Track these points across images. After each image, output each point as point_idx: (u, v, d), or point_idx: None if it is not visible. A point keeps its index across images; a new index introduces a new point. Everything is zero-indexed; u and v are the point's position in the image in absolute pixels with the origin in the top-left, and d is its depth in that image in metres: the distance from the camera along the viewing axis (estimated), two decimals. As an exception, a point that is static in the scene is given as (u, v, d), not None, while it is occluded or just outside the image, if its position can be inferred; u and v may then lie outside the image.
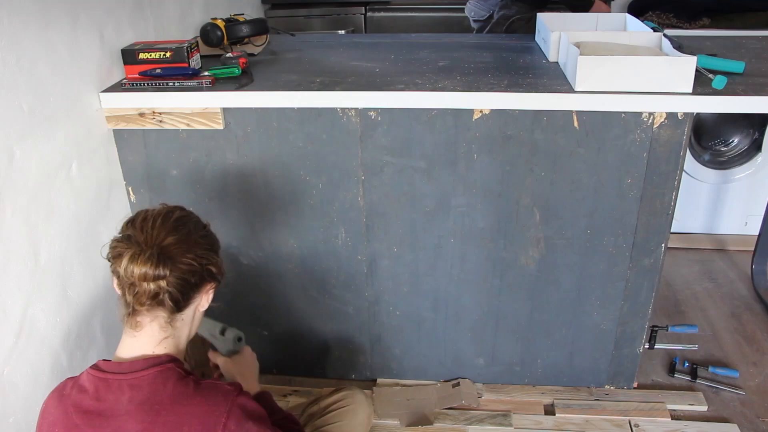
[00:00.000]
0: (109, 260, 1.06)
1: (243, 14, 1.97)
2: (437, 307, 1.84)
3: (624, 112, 1.51)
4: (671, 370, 1.99)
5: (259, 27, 1.95)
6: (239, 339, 1.39)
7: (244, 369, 1.36)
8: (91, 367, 1.07)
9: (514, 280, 1.77)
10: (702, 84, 1.48)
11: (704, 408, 1.86)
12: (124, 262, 1.02)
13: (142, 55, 1.64)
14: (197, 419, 1.01)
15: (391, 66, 1.77)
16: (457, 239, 1.73)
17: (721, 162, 2.58)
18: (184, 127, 1.63)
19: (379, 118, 1.57)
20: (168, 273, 1.02)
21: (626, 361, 1.87)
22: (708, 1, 2.70)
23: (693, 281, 2.49)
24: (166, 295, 1.04)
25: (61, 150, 1.47)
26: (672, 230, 1.67)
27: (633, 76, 1.47)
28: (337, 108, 1.57)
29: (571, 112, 1.52)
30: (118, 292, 1.07)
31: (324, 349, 1.96)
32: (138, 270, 1.01)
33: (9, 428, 1.33)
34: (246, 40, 1.94)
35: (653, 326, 1.87)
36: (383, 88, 1.57)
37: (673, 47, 1.60)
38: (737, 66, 1.61)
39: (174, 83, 1.62)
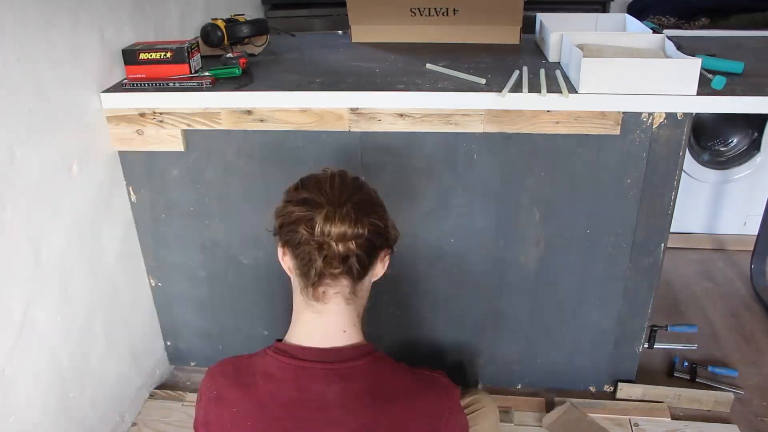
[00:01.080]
0: (278, 230, 0.98)
1: (243, 14, 1.98)
2: (437, 307, 1.85)
3: (624, 113, 1.52)
4: (671, 369, 1.99)
5: (260, 27, 1.95)
6: None
7: None
8: (273, 350, 0.98)
9: (514, 280, 1.77)
10: (701, 84, 1.48)
11: (704, 408, 1.86)
12: (318, 222, 0.91)
13: (142, 56, 1.64)
14: (425, 413, 0.95)
15: (391, 66, 1.78)
16: (457, 239, 1.73)
17: (720, 162, 2.58)
18: (185, 127, 1.63)
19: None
20: (364, 231, 0.93)
21: (626, 360, 1.88)
22: (707, 1, 2.70)
23: (692, 281, 2.49)
24: (354, 259, 0.94)
25: (62, 150, 1.48)
26: (671, 230, 1.67)
27: (637, 78, 1.47)
28: (337, 108, 1.57)
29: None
30: (290, 265, 0.99)
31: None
32: (336, 229, 0.91)
33: (10, 427, 1.33)
34: (246, 40, 1.95)
35: (652, 326, 1.88)
36: (383, 88, 1.57)
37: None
38: (736, 66, 1.61)
39: (174, 83, 1.62)
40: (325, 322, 0.99)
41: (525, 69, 1.66)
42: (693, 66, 1.45)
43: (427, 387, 0.98)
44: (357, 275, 0.96)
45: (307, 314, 0.99)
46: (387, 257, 1.04)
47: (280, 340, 1.00)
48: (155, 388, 1.96)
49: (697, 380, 1.94)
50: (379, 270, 1.04)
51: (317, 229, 0.92)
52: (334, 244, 0.92)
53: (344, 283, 0.97)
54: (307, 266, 0.95)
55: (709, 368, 1.98)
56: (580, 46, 1.60)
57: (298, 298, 1.00)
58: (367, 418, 0.93)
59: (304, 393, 0.94)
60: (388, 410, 0.93)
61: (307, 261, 0.94)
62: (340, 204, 0.94)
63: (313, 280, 0.95)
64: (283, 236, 0.97)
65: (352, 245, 0.93)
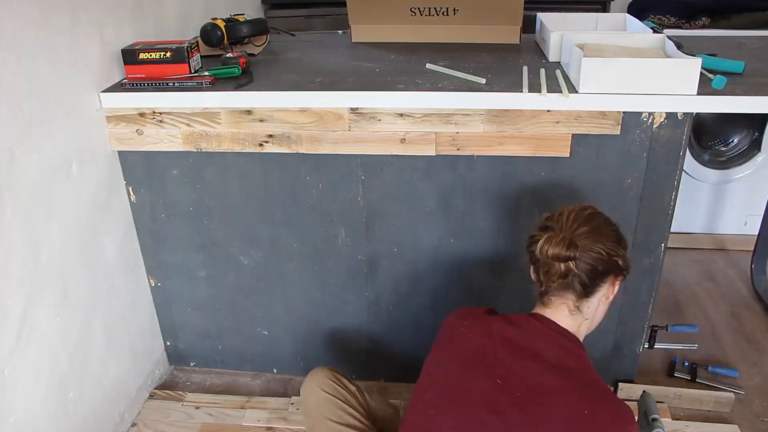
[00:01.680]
0: (528, 248, 1.21)
1: (243, 14, 1.97)
2: (437, 307, 1.84)
3: (624, 112, 1.51)
4: (671, 369, 1.99)
5: (260, 27, 1.95)
6: None
7: None
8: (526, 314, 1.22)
9: (514, 280, 1.77)
10: (702, 84, 1.47)
11: (705, 408, 1.86)
12: (541, 244, 1.15)
13: (142, 55, 1.64)
14: (605, 419, 1.06)
15: (391, 66, 1.77)
16: (457, 239, 1.73)
17: (720, 162, 2.58)
18: (185, 127, 1.63)
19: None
20: (575, 255, 1.13)
21: (626, 360, 1.87)
22: (707, 1, 2.70)
23: (693, 281, 2.49)
24: (575, 278, 1.15)
25: (62, 150, 1.47)
26: (672, 230, 1.67)
27: (637, 78, 1.46)
28: (337, 107, 1.57)
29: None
30: (533, 276, 1.23)
31: (324, 349, 1.96)
32: (551, 250, 1.14)
33: (9, 428, 1.33)
34: (246, 40, 1.94)
35: (653, 326, 1.87)
36: (383, 88, 1.57)
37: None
38: (737, 66, 1.61)
39: (174, 83, 1.62)
40: (558, 315, 1.20)
41: (525, 69, 1.66)
42: (693, 66, 1.45)
43: (609, 398, 1.11)
44: (581, 292, 1.17)
45: (540, 310, 1.22)
46: (618, 283, 1.23)
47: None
48: (155, 389, 1.96)
49: (698, 380, 1.94)
50: (610, 293, 1.22)
51: (538, 251, 1.15)
52: (555, 263, 1.14)
53: (570, 296, 1.18)
54: (539, 278, 1.20)
55: (710, 368, 1.97)
56: (581, 46, 1.60)
57: (537, 304, 1.23)
58: (561, 381, 1.09)
59: (528, 345, 1.15)
60: (576, 391, 1.08)
61: (538, 275, 1.20)
62: (563, 231, 1.16)
63: (542, 289, 1.20)
64: (528, 253, 1.22)
65: (572, 265, 1.14)
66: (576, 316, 1.19)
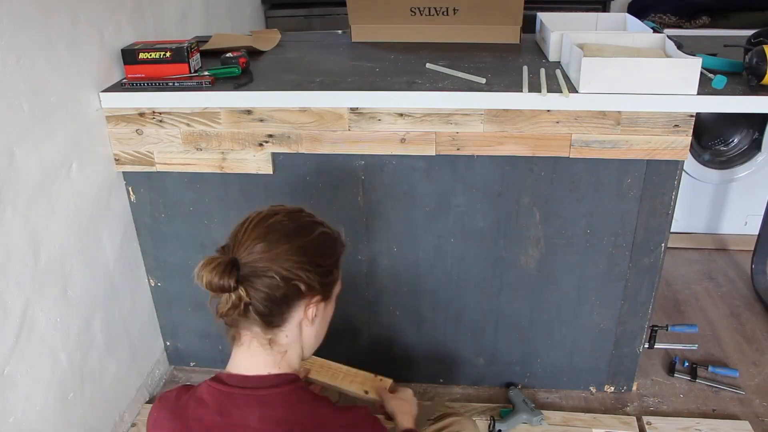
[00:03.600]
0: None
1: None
2: (437, 307, 1.84)
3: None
4: (671, 369, 1.99)
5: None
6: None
7: (405, 405, 1.30)
8: (211, 379, 1.00)
9: (514, 280, 1.77)
10: (702, 84, 1.47)
11: (706, 408, 1.86)
12: (197, 269, 0.94)
13: (142, 55, 1.64)
14: None
15: (390, 65, 1.77)
16: (457, 239, 1.73)
17: (721, 162, 2.57)
18: (185, 127, 1.63)
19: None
20: (233, 285, 0.93)
21: (626, 360, 1.87)
22: (707, 0, 2.70)
23: (693, 281, 2.49)
24: (250, 308, 0.95)
25: (61, 150, 1.48)
26: (672, 230, 1.67)
27: (638, 78, 1.46)
28: (337, 107, 1.57)
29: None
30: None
31: (324, 349, 1.95)
32: (205, 277, 0.93)
33: (9, 427, 1.33)
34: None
35: (653, 326, 1.87)
36: (383, 87, 1.57)
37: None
38: (736, 65, 1.61)
39: (174, 83, 1.62)
40: (248, 356, 1.00)
41: (525, 68, 1.66)
42: (693, 65, 1.45)
43: (346, 416, 0.99)
44: (264, 324, 0.97)
45: (235, 352, 1.02)
46: (314, 306, 1.01)
47: (221, 372, 1.02)
48: (155, 390, 1.96)
49: (698, 381, 1.94)
50: (306, 317, 1.02)
51: (196, 275, 0.94)
52: (214, 292, 0.94)
53: (255, 329, 0.98)
54: (216, 309, 0.98)
55: (710, 368, 1.97)
56: (581, 46, 1.60)
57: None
58: None
59: (227, 417, 0.95)
60: None
61: (217, 305, 0.97)
62: (235, 249, 0.95)
63: (224, 320, 0.98)
64: None
65: (243, 294, 0.93)
66: (274, 347, 0.99)
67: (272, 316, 0.97)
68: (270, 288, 0.95)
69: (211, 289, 0.93)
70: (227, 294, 0.94)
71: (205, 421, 0.96)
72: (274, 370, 1.00)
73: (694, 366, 1.97)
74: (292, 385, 0.98)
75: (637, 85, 1.47)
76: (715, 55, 1.69)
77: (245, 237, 0.96)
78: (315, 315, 1.02)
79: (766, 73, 1.43)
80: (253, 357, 0.99)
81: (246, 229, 0.97)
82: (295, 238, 0.98)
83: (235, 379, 0.98)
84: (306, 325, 1.03)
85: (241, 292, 0.93)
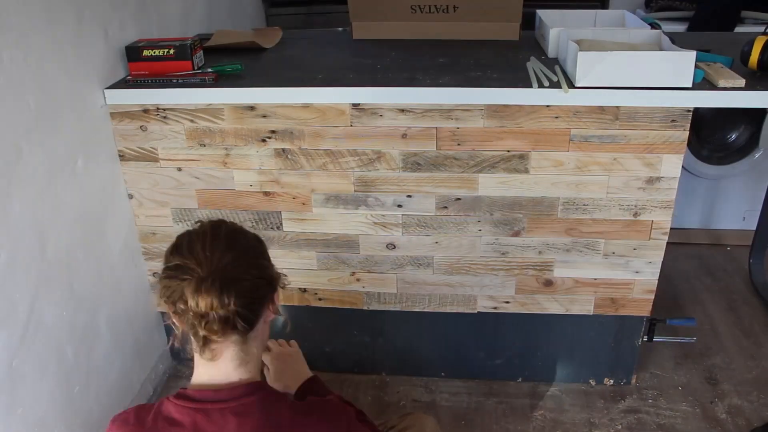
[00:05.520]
0: (164, 300, 0.97)
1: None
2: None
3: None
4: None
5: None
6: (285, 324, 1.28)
7: (288, 356, 1.33)
8: (174, 396, 0.97)
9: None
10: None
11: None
12: (188, 296, 0.92)
13: (146, 52, 1.66)
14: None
15: (391, 62, 1.79)
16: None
17: (719, 157, 2.59)
18: (188, 123, 1.64)
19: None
20: (232, 298, 0.93)
21: (625, 354, 1.89)
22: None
23: (691, 276, 2.51)
24: (237, 318, 0.95)
25: (67, 145, 1.49)
26: (670, 226, 1.69)
27: (632, 71, 1.48)
28: (338, 103, 1.59)
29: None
30: (179, 326, 0.98)
31: (327, 343, 1.98)
32: (203, 302, 0.92)
33: (17, 420, 1.35)
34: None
35: (652, 319, 1.89)
36: (384, 83, 1.59)
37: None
38: (725, 61, 1.63)
39: (177, 80, 1.64)
40: (220, 370, 0.99)
41: (525, 65, 1.68)
42: (687, 59, 1.46)
43: (321, 414, 1.01)
44: (245, 328, 0.97)
45: (204, 365, 1.00)
46: (275, 298, 1.04)
47: (184, 389, 1.00)
48: (158, 385, 1.97)
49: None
50: (270, 312, 1.04)
51: (186, 304, 0.93)
52: (212, 312, 0.93)
53: (234, 336, 0.98)
54: (193, 330, 0.95)
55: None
56: (578, 42, 1.61)
57: (195, 353, 1.00)
58: None
59: None
60: None
61: (191, 327, 0.95)
62: (208, 272, 0.93)
63: (201, 342, 0.96)
64: (167, 305, 0.97)
65: (231, 307, 0.93)
66: (245, 353, 1.00)
67: (252, 319, 0.98)
68: (251, 291, 0.96)
69: (211, 309, 0.92)
70: (216, 311, 0.93)
71: None
72: (244, 375, 1.00)
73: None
74: (263, 391, 0.99)
75: (632, 79, 1.49)
76: (708, 51, 1.70)
77: (211, 251, 0.95)
78: (276, 307, 1.05)
79: (749, 58, 1.55)
80: (223, 365, 0.98)
81: (204, 246, 0.96)
82: (249, 241, 1.03)
83: (205, 394, 0.97)
84: (269, 318, 1.04)
85: (234, 304, 0.93)
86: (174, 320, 0.98)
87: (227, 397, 0.96)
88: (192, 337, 0.97)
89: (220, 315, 0.93)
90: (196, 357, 1.00)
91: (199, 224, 1.02)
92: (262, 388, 1.00)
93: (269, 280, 1.01)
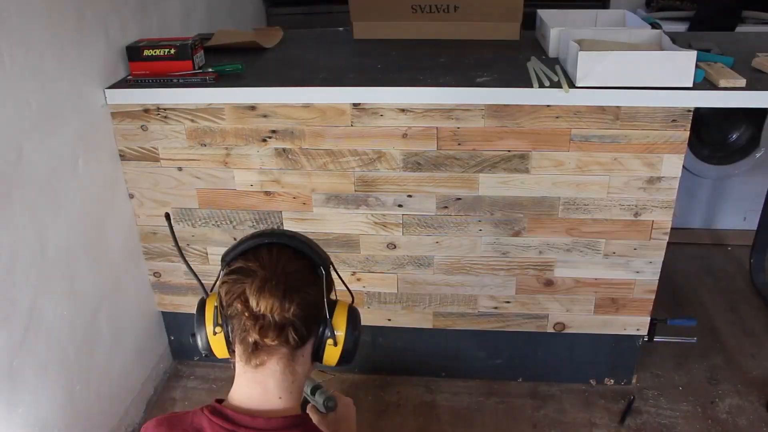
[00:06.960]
0: (219, 302, 0.96)
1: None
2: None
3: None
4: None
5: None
6: (328, 403, 1.20)
7: (339, 427, 1.23)
8: (209, 411, 0.94)
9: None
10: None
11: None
12: (249, 294, 0.91)
13: (146, 52, 1.66)
14: None
15: (392, 62, 1.79)
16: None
17: (719, 157, 2.59)
18: (189, 122, 1.65)
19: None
20: (295, 304, 0.92)
21: (626, 354, 1.89)
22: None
23: (692, 275, 2.51)
24: (291, 329, 0.92)
25: (68, 145, 1.49)
26: (671, 225, 1.69)
27: (633, 71, 1.48)
28: (339, 103, 1.59)
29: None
30: (225, 332, 0.97)
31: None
32: (264, 303, 0.90)
33: (18, 419, 1.35)
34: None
35: (653, 319, 1.89)
36: (385, 83, 1.59)
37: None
38: (725, 61, 1.63)
39: (178, 80, 1.64)
40: (262, 387, 0.96)
41: (526, 65, 1.68)
42: (688, 59, 1.46)
43: None
44: (295, 344, 0.94)
45: (246, 377, 0.97)
46: (324, 337, 1.01)
47: (220, 401, 0.97)
48: (159, 385, 1.97)
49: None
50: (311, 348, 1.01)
51: (245, 303, 0.91)
52: (266, 315, 0.91)
53: (283, 350, 0.95)
54: (243, 337, 0.93)
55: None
56: (579, 41, 1.61)
57: (239, 362, 0.98)
58: None
59: None
60: None
61: (243, 332, 0.93)
62: (274, 274, 0.92)
63: (250, 349, 0.93)
64: (223, 309, 0.96)
65: (288, 315, 0.91)
66: (292, 368, 0.97)
67: (305, 336, 0.96)
68: (310, 306, 0.95)
69: (271, 311, 0.91)
70: (274, 316, 0.91)
71: None
72: (285, 404, 0.97)
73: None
74: (301, 427, 0.95)
75: (633, 78, 1.49)
76: (709, 50, 1.70)
77: (278, 258, 0.95)
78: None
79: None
80: (265, 381, 0.95)
81: (270, 251, 0.96)
82: (319, 258, 1.00)
83: (242, 418, 0.93)
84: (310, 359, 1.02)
85: (292, 313, 0.92)
86: (217, 324, 0.97)
87: (263, 427, 0.93)
88: (239, 344, 0.94)
89: (277, 321, 0.91)
90: (239, 367, 0.97)
91: (264, 231, 1.01)
92: (302, 423, 0.96)
93: (329, 306, 0.99)
